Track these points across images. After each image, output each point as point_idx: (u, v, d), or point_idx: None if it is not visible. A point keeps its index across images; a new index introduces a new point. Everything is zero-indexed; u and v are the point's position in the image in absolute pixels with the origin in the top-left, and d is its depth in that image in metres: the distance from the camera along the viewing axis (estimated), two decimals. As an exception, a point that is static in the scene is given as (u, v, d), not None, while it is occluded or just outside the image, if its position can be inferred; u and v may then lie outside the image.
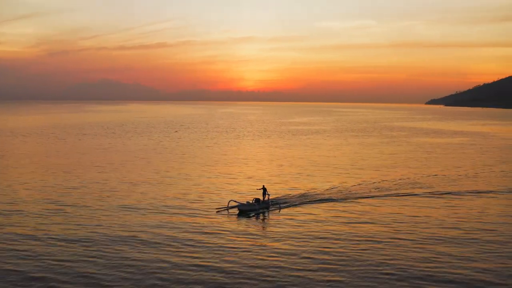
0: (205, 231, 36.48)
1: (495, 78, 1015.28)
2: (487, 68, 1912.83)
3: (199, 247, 32.68)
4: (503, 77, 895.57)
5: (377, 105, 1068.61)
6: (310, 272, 28.40)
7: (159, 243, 33.44)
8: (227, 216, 41.21)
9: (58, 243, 33.28)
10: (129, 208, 43.95)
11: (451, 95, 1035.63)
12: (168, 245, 33.03)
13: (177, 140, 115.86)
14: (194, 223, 38.73)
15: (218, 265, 29.37)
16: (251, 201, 43.28)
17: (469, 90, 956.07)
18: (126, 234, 35.56)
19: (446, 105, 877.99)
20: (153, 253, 31.42)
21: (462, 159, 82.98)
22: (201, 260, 30.17)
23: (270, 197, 45.13)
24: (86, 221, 39.20)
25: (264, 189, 44.43)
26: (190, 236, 35.13)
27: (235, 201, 43.56)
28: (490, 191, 53.44)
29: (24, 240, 33.73)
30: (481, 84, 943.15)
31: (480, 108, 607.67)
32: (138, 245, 32.87)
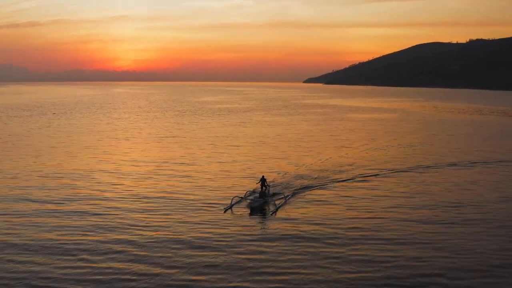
0: (213, 233, 29.95)
1: (370, 57, 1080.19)
2: (362, 47, 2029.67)
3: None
4: (377, 56, 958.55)
5: (257, 84, 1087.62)
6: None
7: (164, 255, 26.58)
8: (237, 215, 34.11)
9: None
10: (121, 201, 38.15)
11: (328, 74, 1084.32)
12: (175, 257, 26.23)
13: (130, 121, 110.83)
14: (200, 226, 31.42)
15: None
16: (254, 194, 38.15)
17: (345, 69, 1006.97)
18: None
19: (326, 83, 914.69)
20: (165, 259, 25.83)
21: (422, 133, 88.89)
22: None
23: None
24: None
25: (263, 180, 38.22)
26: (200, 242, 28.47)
27: (240, 197, 37.70)
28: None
29: None
30: (357, 63, 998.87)
31: (362, 86, 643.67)
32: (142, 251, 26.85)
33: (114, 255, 26.28)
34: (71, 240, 28.56)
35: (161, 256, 26.17)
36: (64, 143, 70.50)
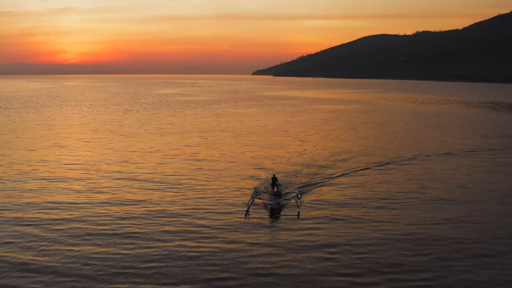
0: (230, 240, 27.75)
1: (318, 49, 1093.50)
2: (310, 39, 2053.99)
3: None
4: (326, 48, 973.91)
5: (206, 76, 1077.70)
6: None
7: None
8: (258, 218, 31.66)
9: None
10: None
11: (277, 66, 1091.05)
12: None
13: (104, 115, 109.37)
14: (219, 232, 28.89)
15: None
16: (265, 194, 36.25)
17: (293, 61, 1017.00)
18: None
19: (275, 75, 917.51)
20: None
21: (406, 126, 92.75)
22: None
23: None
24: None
25: (275, 179, 36.98)
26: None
27: (253, 197, 35.39)
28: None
29: None
30: (305, 55, 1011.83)
31: (312, 78, 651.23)
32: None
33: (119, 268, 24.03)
34: (76, 249, 26.24)
35: (187, 267, 24.18)
36: (50, 138, 69.47)
